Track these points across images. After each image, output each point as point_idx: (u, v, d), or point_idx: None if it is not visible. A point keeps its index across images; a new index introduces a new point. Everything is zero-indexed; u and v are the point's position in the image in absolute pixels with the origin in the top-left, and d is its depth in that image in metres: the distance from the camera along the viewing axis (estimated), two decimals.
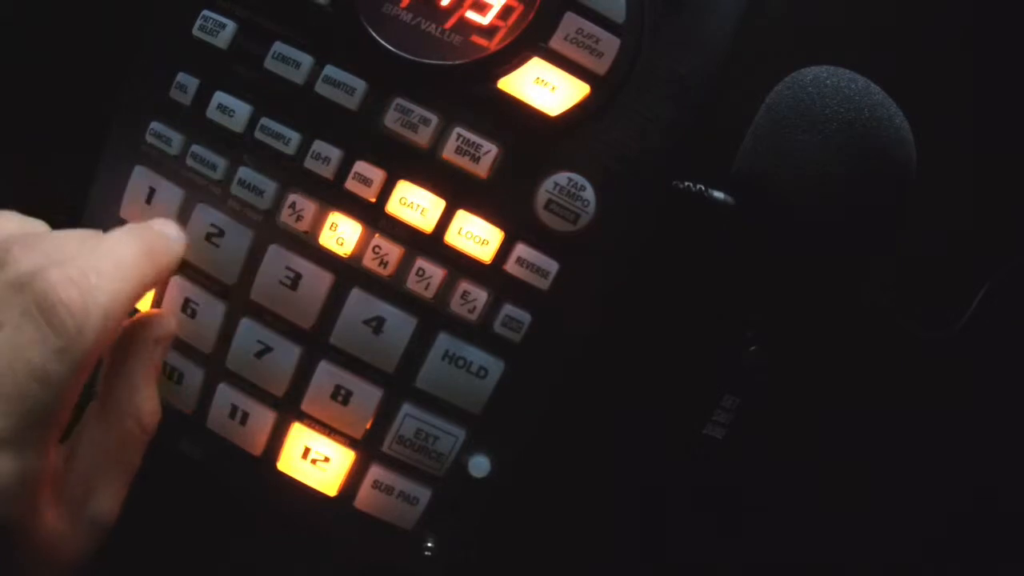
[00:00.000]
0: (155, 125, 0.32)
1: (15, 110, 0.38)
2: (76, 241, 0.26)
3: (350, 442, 0.32)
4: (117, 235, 0.27)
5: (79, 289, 0.23)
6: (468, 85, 0.29)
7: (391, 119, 0.30)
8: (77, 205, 0.34)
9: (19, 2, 0.37)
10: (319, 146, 0.30)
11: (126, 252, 0.26)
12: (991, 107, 0.35)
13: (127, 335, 0.29)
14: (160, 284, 0.28)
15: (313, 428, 0.32)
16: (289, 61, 0.30)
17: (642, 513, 0.39)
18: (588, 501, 0.39)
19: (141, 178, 0.32)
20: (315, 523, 0.33)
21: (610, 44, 0.29)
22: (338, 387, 0.31)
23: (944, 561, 0.40)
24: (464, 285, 0.30)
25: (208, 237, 0.31)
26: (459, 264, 0.30)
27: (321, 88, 0.30)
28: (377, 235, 0.30)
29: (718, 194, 0.32)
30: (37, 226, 0.28)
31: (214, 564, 0.37)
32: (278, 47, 0.30)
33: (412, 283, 0.30)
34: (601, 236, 0.30)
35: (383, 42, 0.29)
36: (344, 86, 0.30)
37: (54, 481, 0.26)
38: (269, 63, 0.30)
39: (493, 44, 0.29)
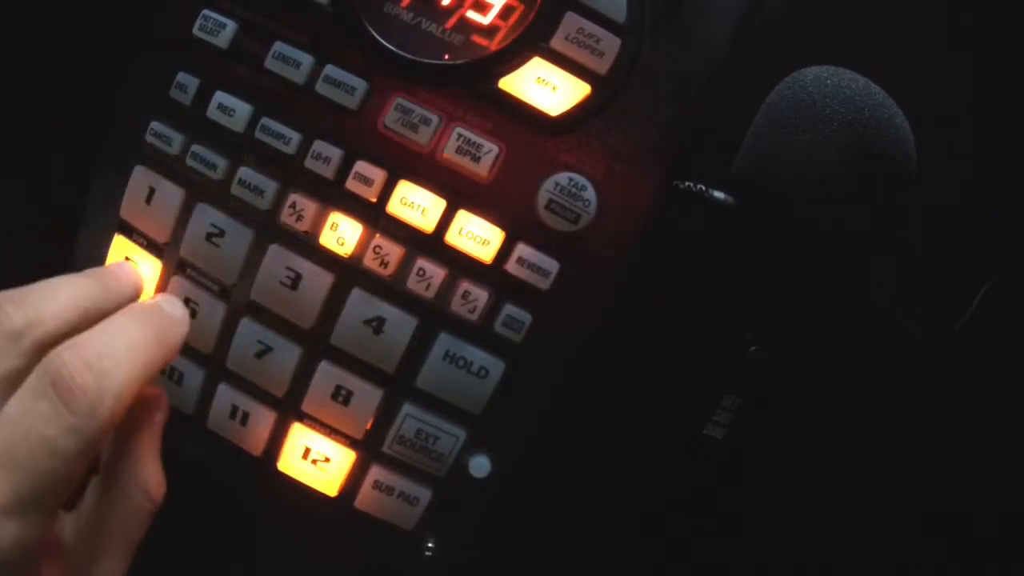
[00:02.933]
0: (155, 125, 0.32)
1: (15, 110, 0.38)
2: (66, 290, 0.27)
3: (350, 442, 0.32)
4: (128, 317, 0.27)
5: (93, 373, 0.24)
6: (469, 85, 0.29)
7: (392, 119, 0.30)
8: (77, 205, 0.34)
9: (19, 2, 0.37)
10: (319, 146, 0.30)
11: (138, 336, 0.26)
12: (991, 107, 0.35)
13: (131, 412, 0.29)
14: (166, 366, 0.29)
15: (313, 428, 0.32)
16: (289, 61, 0.30)
17: (642, 513, 0.39)
18: (588, 501, 0.39)
19: (141, 178, 0.32)
20: (315, 523, 0.33)
21: (611, 44, 0.29)
22: (338, 387, 0.31)
23: (944, 561, 0.40)
24: (465, 285, 0.30)
25: (208, 237, 0.31)
26: (460, 264, 0.30)
27: (321, 88, 0.30)
28: (378, 235, 0.30)
29: (718, 194, 0.32)
30: None
31: (214, 564, 0.37)
32: (278, 47, 0.30)
33: (413, 283, 0.30)
34: (602, 236, 0.30)
35: (384, 42, 0.29)
36: (345, 86, 0.30)
37: (58, 550, 0.27)
38: (269, 63, 0.30)
39: (494, 44, 0.29)
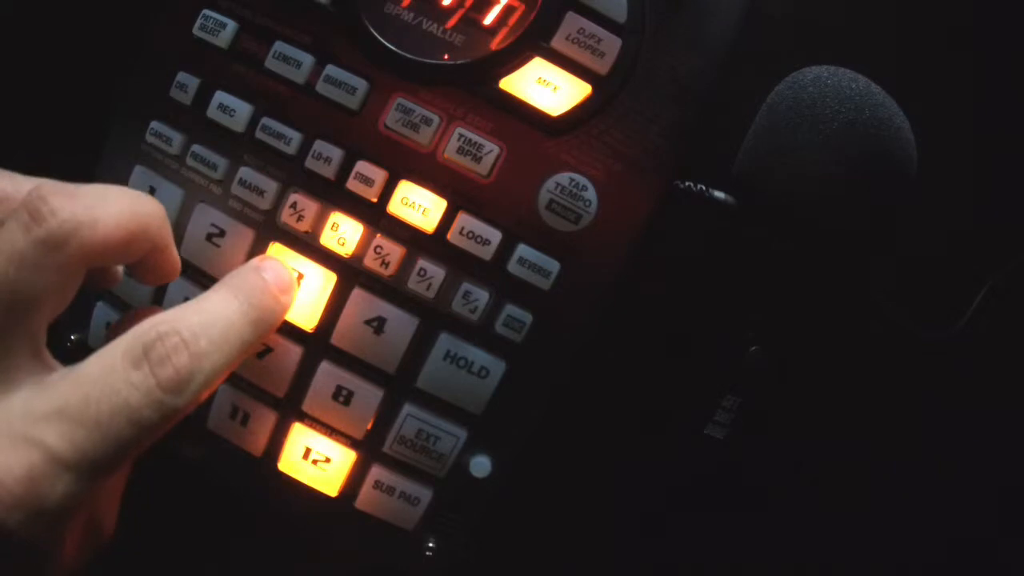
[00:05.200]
0: (155, 125, 0.32)
1: (15, 110, 0.38)
2: (118, 195, 0.25)
3: (351, 442, 0.32)
4: (231, 295, 0.27)
5: (190, 354, 0.24)
6: (470, 85, 0.29)
7: (393, 119, 0.30)
8: None
9: (19, 2, 0.37)
10: (320, 146, 0.30)
11: (236, 319, 0.26)
12: (991, 107, 0.35)
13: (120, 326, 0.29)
14: (146, 244, 0.27)
15: (314, 428, 0.32)
16: (290, 60, 0.30)
17: (642, 513, 0.39)
18: (588, 501, 0.39)
19: (141, 178, 0.32)
20: (316, 523, 0.33)
21: (611, 44, 0.29)
22: (339, 387, 0.31)
23: (945, 560, 0.40)
24: (465, 285, 0.30)
25: (209, 237, 0.31)
26: (461, 264, 0.30)
27: (322, 88, 0.30)
28: (379, 235, 0.30)
29: (719, 194, 0.32)
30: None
31: (215, 564, 0.37)
32: (279, 46, 0.30)
33: (413, 283, 0.30)
34: (602, 236, 0.30)
35: (384, 42, 0.29)
36: (345, 86, 0.30)
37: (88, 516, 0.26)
38: (270, 63, 0.30)
39: (495, 44, 0.29)
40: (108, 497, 0.28)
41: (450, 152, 0.30)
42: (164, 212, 0.27)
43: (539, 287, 0.30)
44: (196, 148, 0.31)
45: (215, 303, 0.26)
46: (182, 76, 0.31)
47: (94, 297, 0.34)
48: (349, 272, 0.31)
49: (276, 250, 0.31)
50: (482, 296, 0.30)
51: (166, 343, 0.24)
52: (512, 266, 0.30)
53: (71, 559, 0.25)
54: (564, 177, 0.30)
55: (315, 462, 0.32)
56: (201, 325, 0.25)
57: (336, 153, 0.30)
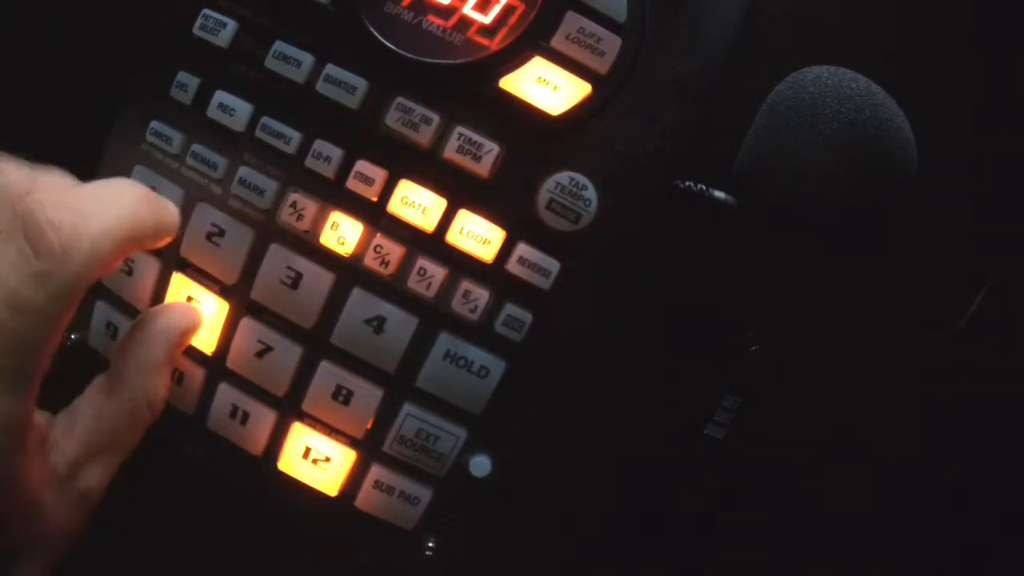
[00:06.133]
0: (155, 124, 0.32)
1: (15, 110, 0.38)
2: (117, 202, 0.25)
3: (351, 442, 0.32)
4: (122, 180, 0.26)
5: (71, 212, 0.21)
6: (470, 84, 0.29)
7: (392, 118, 0.30)
8: None
9: (19, 2, 0.37)
10: (320, 145, 0.30)
11: (129, 193, 0.25)
12: (991, 107, 0.35)
13: (160, 317, 0.29)
14: (151, 246, 0.27)
15: (314, 428, 0.32)
16: (290, 60, 0.30)
17: (642, 513, 0.39)
18: (588, 501, 0.39)
19: (141, 177, 0.32)
20: (316, 523, 0.33)
21: (611, 43, 0.29)
22: (339, 387, 0.31)
23: (945, 560, 0.40)
24: (465, 285, 0.30)
25: (208, 236, 0.31)
26: (460, 263, 0.30)
27: (322, 87, 0.30)
28: (378, 234, 0.30)
29: (719, 194, 0.32)
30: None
31: (215, 564, 0.37)
32: (279, 46, 0.30)
33: (413, 283, 0.30)
34: (602, 236, 0.30)
35: (384, 41, 0.29)
36: (345, 85, 0.30)
37: (42, 445, 0.25)
38: (270, 62, 0.30)
39: (494, 43, 0.29)
40: (67, 432, 0.27)
41: (450, 151, 0.30)
42: (171, 215, 0.27)
43: (539, 287, 0.30)
44: (196, 148, 0.31)
45: (111, 183, 0.25)
46: (182, 76, 0.31)
47: (94, 297, 0.34)
48: (349, 271, 0.31)
49: (276, 250, 0.31)
50: (482, 296, 0.30)
51: (45, 207, 0.21)
52: (512, 266, 0.30)
53: (41, 497, 0.25)
54: (564, 176, 0.30)
55: (315, 461, 0.32)
56: (88, 192, 0.23)
57: (336, 152, 0.30)
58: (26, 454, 0.23)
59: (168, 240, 0.28)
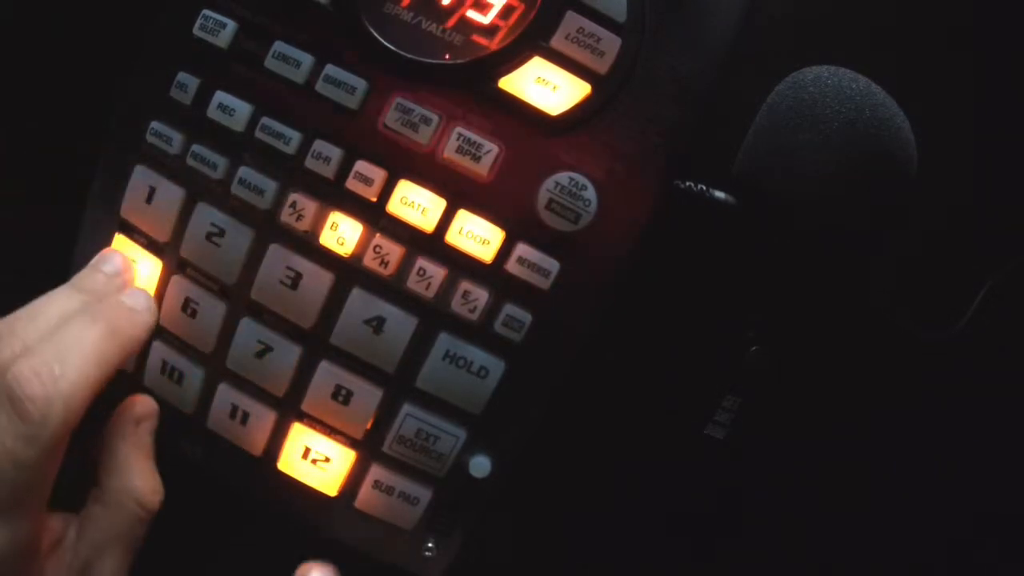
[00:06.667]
0: (155, 124, 0.32)
1: (15, 110, 0.38)
2: (51, 309, 0.28)
3: (351, 442, 0.32)
4: (80, 317, 0.28)
5: (41, 381, 0.25)
6: (469, 84, 0.29)
7: (392, 118, 0.30)
8: (77, 205, 0.34)
9: (19, 2, 0.37)
10: (320, 145, 0.30)
11: (88, 337, 0.27)
12: (991, 107, 0.35)
13: (113, 421, 0.31)
14: (131, 356, 0.30)
15: (314, 428, 0.32)
16: (290, 60, 0.30)
17: (642, 513, 0.39)
18: (588, 501, 0.39)
19: (141, 177, 0.32)
20: (315, 523, 0.33)
21: (611, 43, 0.29)
22: (339, 387, 0.31)
23: (945, 560, 0.40)
24: (465, 285, 0.30)
25: (208, 236, 0.31)
26: (460, 264, 0.30)
27: (322, 87, 0.30)
28: (378, 235, 0.30)
29: (719, 194, 0.32)
30: None
31: (214, 564, 0.37)
32: (278, 46, 0.30)
33: (413, 283, 0.30)
34: (602, 236, 0.30)
35: (384, 41, 0.29)
36: (345, 85, 0.30)
37: (61, 548, 0.29)
38: (270, 62, 0.30)
39: (494, 43, 0.29)
40: (80, 534, 0.29)
41: (449, 152, 0.30)
42: (140, 329, 0.30)
43: (539, 287, 0.30)
44: (196, 148, 0.31)
45: (68, 327, 0.27)
46: (182, 76, 0.31)
47: None
48: (348, 271, 0.31)
49: (276, 250, 0.31)
50: (481, 296, 0.30)
51: (20, 380, 0.25)
52: (511, 266, 0.30)
53: None
54: (564, 176, 0.30)
55: (314, 462, 0.32)
56: (54, 351, 0.26)
57: (335, 153, 0.30)
58: (41, 558, 0.28)
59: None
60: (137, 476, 0.30)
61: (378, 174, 0.30)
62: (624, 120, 0.30)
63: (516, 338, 0.31)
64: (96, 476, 0.30)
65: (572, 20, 0.29)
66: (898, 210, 0.32)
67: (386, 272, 0.30)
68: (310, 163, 0.30)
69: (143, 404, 0.31)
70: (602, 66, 0.29)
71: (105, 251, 0.32)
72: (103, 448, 0.30)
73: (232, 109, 0.31)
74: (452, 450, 0.32)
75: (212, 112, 0.31)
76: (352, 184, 0.30)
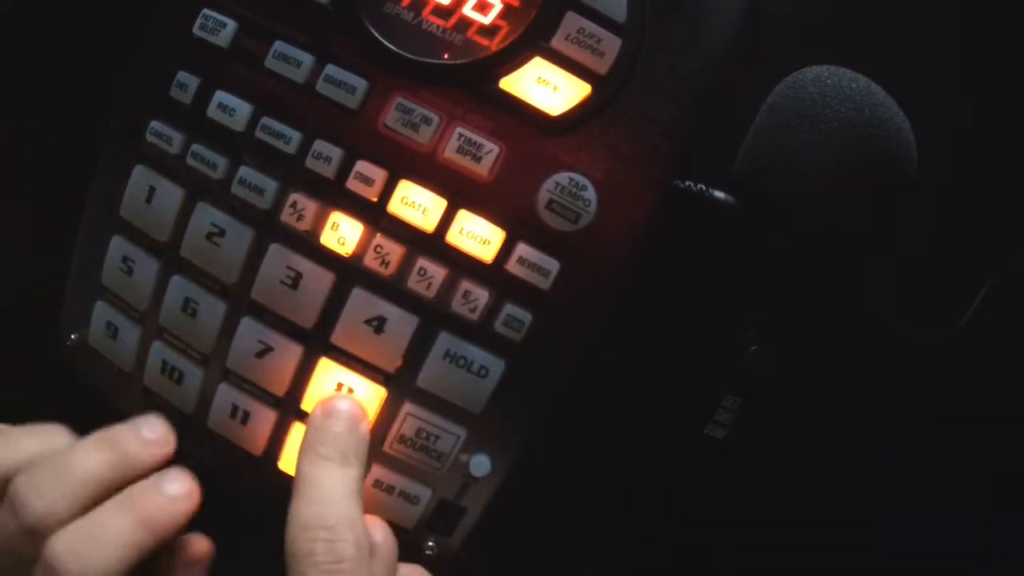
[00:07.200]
0: (155, 124, 0.32)
1: (15, 110, 0.38)
2: (82, 468, 0.28)
3: None
4: (117, 505, 0.27)
5: (79, 565, 0.25)
6: (470, 85, 0.29)
7: (392, 118, 0.30)
8: (77, 205, 0.34)
9: (19, 1, 0.37)
10: (320, 145, 0.30)
11: (123, 525, 0.27)
12: (991, 107, 0.35)
13: (162, 562, 0.30)
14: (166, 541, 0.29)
15: None
16: (290, 60, 0.30)
17: (642, 513, 0.39)
18: (588, 501, 0.39)
19: (141, 177, 0.32)
20: None
21: (611, 44, 0.29)
22: (339, 386, 0.31)
23: (945, 560, 0.40)
24: (465, 284, 0.30)
25: (209, 236, 0.31)
26: (460, 264, 0.30)
27: (322, 87, 0.30)
28: (378, 235, 0.30)
29: (719, 194, 0.32)
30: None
31: (214, 564, 0.37)
32: (279, 46, 0.30)
33: (413, 282, 0.30)
34: (602, 236, 0.30)
35: (384, 41, 0.29)
36: (345, 85, 0.30)
37: None
38: (270, 62, 0.30)
39: (494, 44, 0.29)
40: None
41: (450, 152, 0.30)
42: (177, 520, 0.28)
43: (539, 287, 0.30)
44: (196, 147, 0.31)
45: (105, 512, 0.27)
46: (182, 76, 0.31)
47: (94, 296, 0.34)
48: (349, 271, 0.31)
49: (276, 250, 0.31)
50: (482, 295, 0.30)
51: (61, 562, 0.25)
52: (512, 266, 0.30)
53: None
54: (564, 177, 0.30)
55: None
56: (90, 535, 0.26)
57: (336, 152, 0.30)
58: None
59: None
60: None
61: (379, 174, 0.30)
62: (624, 120, 0.30)
63: (516, 338, 0.31)
64: None
65: (572, 20, 0.29)
66: (898, 210, 0.32)
67: (387, 272, 0.30)
68: (310, 163, 0.30)
69: (195, 548, 0.30)
70: (602, 66, 0.29)
71: (150, 416, 0.30)
72: None
73: (232, 109, 0.31)
74: (452, 449, 0.32)
75: (212, 112, 0.31)
76: (353, 184, 0.30)
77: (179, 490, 0.29)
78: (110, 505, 0.27)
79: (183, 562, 0.30)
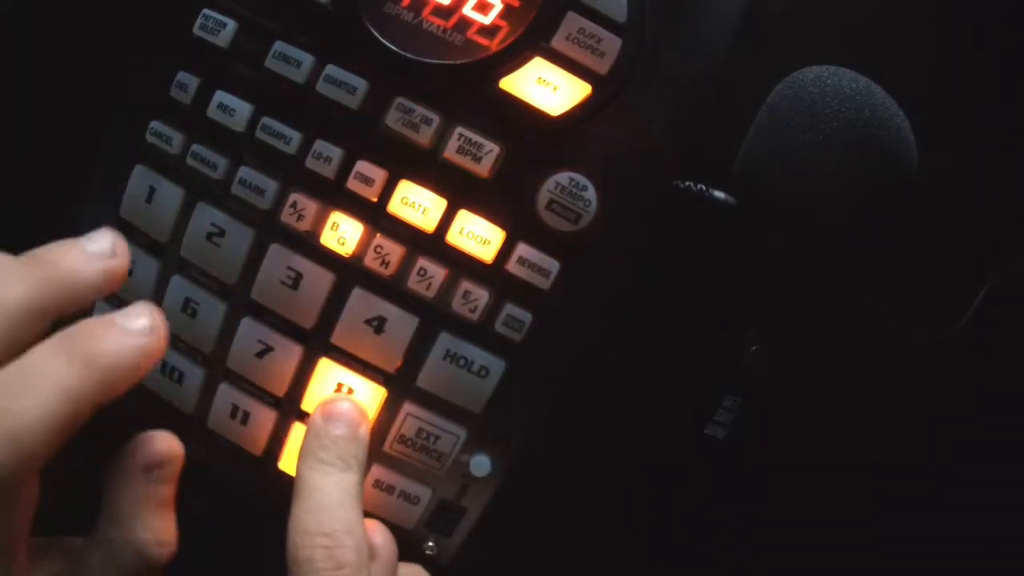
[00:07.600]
0: (155, 124, 0.32)
1: (15, 110, 0.38)
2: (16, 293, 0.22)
3: None
4: (55, 338, 0.22)
5: (4, 419, 0.20)
6: (470, 85, 0.29)
7: (393, 118, 0.30)
8: (77, 205, 0.34)
9: (19, 1, 0.37)
10: (320, 145, 0.30)
11: (60, 366, 0.22)
12: (991, 107, 0.35)
13: (113, 463, 0.26)
14: (127, 389, 0.23)
15: None
16: (290, 60, 0.30)
17: (642, 513, 0.39)
18: (588, 501, 0.39)
19: (141, 177, 0.32)
20: None
21: (611, 44, 0.29)
22: (340, 387, 0.31)
23: (945, 561, 0.40)
24: (465, 285, 0.30)
25: (209, 237, 0.31)
26: (460, 264, 0.30)
27: (322, 87, 0.30)
28: (379, 235, 0.30)
29: (719, 194, 0.32)
30: None
31: (214, 564, 0.37)
32: (279, 46, 0.30)
33: (413, 283, 0.30)
34: (602, 236, 0.30)
35: (385, 41, 0.29)
36: (345, 85, 0.30)
37: (75, 565, 0.25)
38: (270, 62, 0.30)
39: (495, 44, 0.29)
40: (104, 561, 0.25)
41: (450, 152, 0.30)
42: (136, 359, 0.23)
43: (539, 287, 0.30)
44: (196, 148, 0.31)
45: (37, 354, 0.22)
46: (182, 76, 0.31)
47: None
48: (349, 271, 0.31)
49: (276, 250, 0.31)
50: (482, 295, 0.30)
51: None
52: (512, 266, 0.30)
53: None
54: (564, 177, 0.30)
55: None
56: (19, 382, 0.21)
57: (336, 153, 0.30)
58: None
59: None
60: (141, 527, 0.25)
61: (379, 174, 0.30)
62: (625, 120, 0.30)
63: (516, 338, 0.31)
64: (97, 520, 0.26)
65: (572, 20, 0.29)
66: (898, 210, 0.32)
67: (387, 272, 0.30)
68: (311, 163, 0.30)
69: (159, 445, 0.26)
70: (602, 66, 0.29)
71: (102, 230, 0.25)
72: (103, 492, 0.26)
73: (232, 109, 0.31)
74: (452, 449, 0.32)
75: (212, 112, 0.31)
76: (353, 184, 0.30)
77: (137, 324, 0.24)
78: (48, 343, 0.22)
79: (143, 463, 0.25)
